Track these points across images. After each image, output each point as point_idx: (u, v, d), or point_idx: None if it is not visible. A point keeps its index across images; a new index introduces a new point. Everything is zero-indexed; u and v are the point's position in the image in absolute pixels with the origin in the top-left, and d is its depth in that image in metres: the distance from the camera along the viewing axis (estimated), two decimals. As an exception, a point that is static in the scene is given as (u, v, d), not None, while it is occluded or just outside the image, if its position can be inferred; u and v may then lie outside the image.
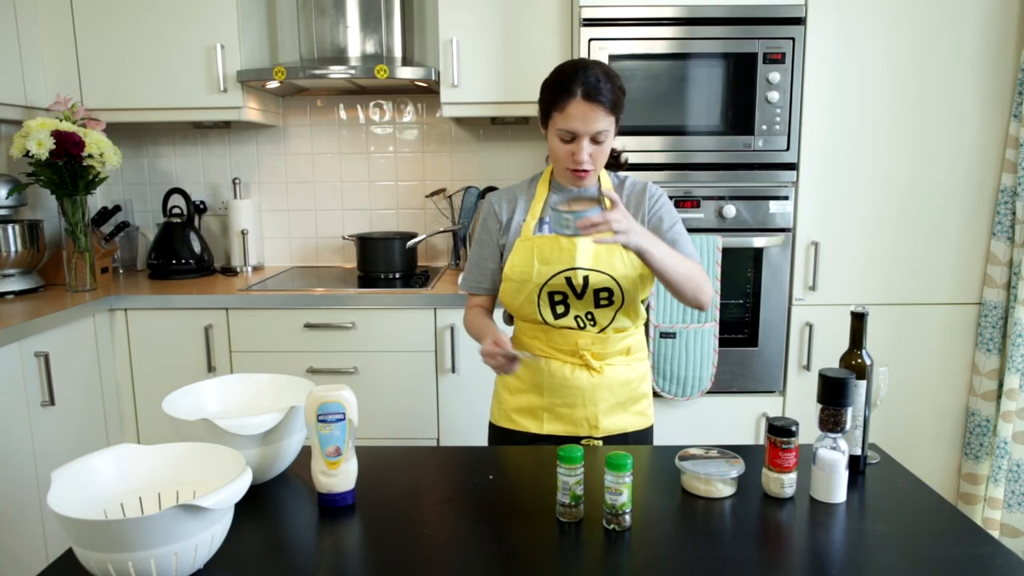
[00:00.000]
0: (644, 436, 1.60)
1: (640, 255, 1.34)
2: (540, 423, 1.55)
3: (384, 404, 2.34)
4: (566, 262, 1.46)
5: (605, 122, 1.39)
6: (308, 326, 2.30)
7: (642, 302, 1.55)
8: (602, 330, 1.50)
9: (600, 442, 1.53)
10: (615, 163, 1.63)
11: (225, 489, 0.89)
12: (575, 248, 1.46)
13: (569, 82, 1.39)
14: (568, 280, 1.46)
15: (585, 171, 1.45)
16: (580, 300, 1.48)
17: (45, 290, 2.44)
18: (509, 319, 1.67)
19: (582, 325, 1.50)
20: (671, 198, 2.20)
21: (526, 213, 1.54)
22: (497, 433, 1.63)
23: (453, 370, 2.31)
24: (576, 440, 1.54)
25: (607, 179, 1.58)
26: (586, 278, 1.46)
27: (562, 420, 1.54)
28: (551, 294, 1.48)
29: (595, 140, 1.41)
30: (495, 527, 1.07)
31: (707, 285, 1.46)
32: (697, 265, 1.46)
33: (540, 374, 1.53)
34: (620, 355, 1.54)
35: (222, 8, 2.42)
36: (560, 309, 1.49)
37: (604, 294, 1.47)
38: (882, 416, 2.32)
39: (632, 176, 1.59)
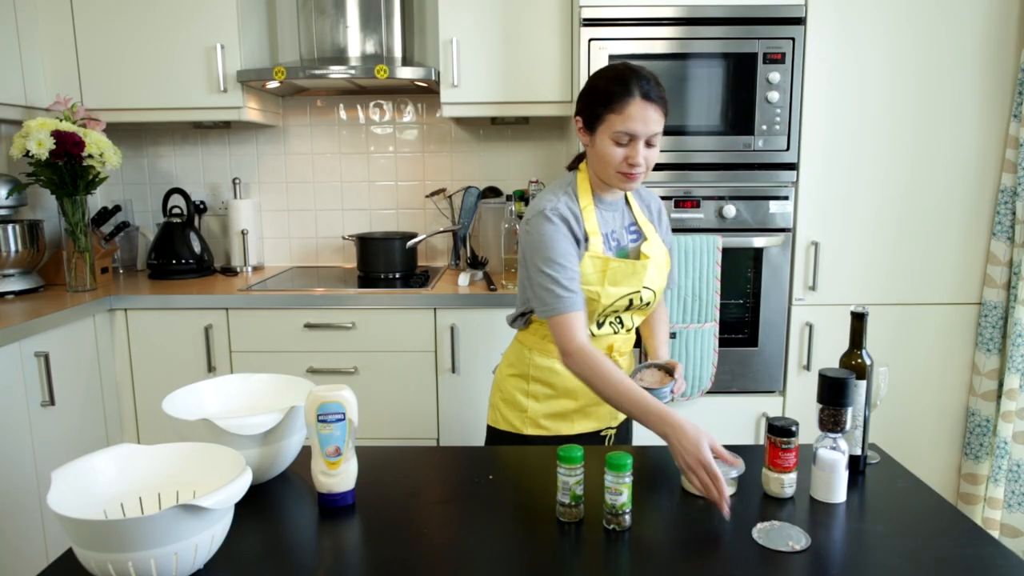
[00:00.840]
0: (631, 425, 1.71)
1: None
2: (571, 424, 1.57)
3: (384, 404, 2.34)
4: (635, 284, 1.47)
5: (660, 124, 1.39)
6: (308, 326, 2.30)
7: None
8: (628, 331, 1.57)
9: (614, 430, 1.62)
10: None
11: (225, 489, 0.89)
12: (645, 271, 1.47)
13: (627, 82, 1.37)
14: (631, 301, 1.49)
15: (637, 174, 1.41)
16: (626, 312, 1.53)
17: (45, 290, 2.44)
18: (514, 321, 1.62)
19: (616, 330, 1.54)
20: (671, 198, 2.23)
21: (591, 228, 1.47)
22: (515, 440, 1.58)
23: (453, 370, 2.31)
24: (596, 434, 1.60)
25: (629, 195, 1.61)
26: (647, 299, 1.52)
27: (590, 417, 1.58)
28: (614, 312, 1.51)
29: (648, 143, 1.39)
30: (495, 527, 1.08)
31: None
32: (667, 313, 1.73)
33: (572, 379, 1.49)
34: (628, 350, 1.63)
35: (222, 8, 2.42)
36: (601, 319, 1.52)
37: (648, 307, 1.54)
38: (882, 416, 2.32)
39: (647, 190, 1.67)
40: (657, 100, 1.37)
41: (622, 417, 1.61)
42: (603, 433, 1.61)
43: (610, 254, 1.48)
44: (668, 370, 1.49)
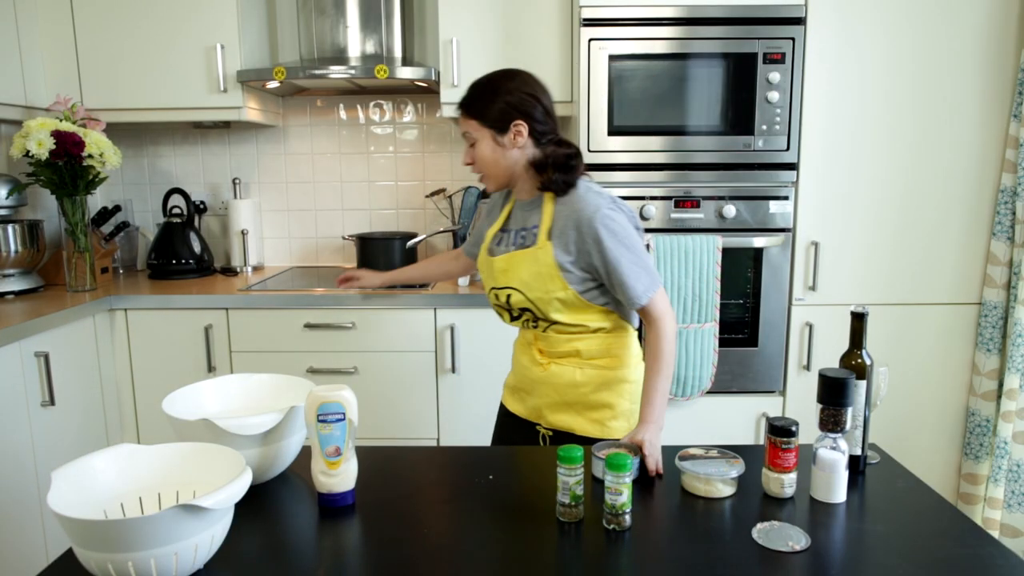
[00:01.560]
0: None
1: None
2: (512, 400, 1.67)
3: (384, 404, 2.34)
4: (490, 279, 1.57)
5: (467, 124, 1.51)
6: (308, 326, 2.30)
7: (624, 320, 1.55)
8: (544, 330, 1.55)
9: (550, 432, 1.58)
10: (552, 183, 1.49)
11: (225, 489, 0.89)
12: (491, 269, 1.55)
13: None
14: (496, 296, 1.56)
15: (475, 172, 1.55)
16: (511, 312, 1.57)
17: (45, 290, 2.44)
18: None
19: (527, 326, 1.59)
20: (670, 198, 2.22)
21: (495, 220, 1.64)
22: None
23: (453, 370, 2.31)
24: (532, 425, 1.62)
25: (549, 200, 1.49)
26: (509, 297, 1.53)
27: (523, 403, 1.64)
28: (500, 306, 1.58)
29: (471, 143, 1.52)
30: (495, 527, 1.08)
31: (671, 347, 1.46)
32: (663, 358, 1.44)
33: (515, 355, 1.66)
34: (571, 357, 1.53)
35: (222, 8, 2.42)
36: (515, 313, 1.57)
37: (528, 314, 1.53)
38: (882, 416, 2.32)
39: (589, 198, 1.45)
40: (462, 105, 1.52)
41: (549, 421, 1.56)
42: (538, 429, 1.60)
43: (501, 247, 1.58)
44: (634, 450, 1.34)
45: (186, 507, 0.86)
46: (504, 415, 1.69)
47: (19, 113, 2.36)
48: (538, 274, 1.47)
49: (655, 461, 1.26)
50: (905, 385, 2.33)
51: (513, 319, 1.58)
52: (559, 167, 1.47)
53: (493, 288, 1.56)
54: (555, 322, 1.51)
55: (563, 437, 1.55)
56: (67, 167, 2.28)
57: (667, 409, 2.31)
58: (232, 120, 2.56)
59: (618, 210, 1.47)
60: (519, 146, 1.48)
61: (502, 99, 1.47)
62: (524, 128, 1.47)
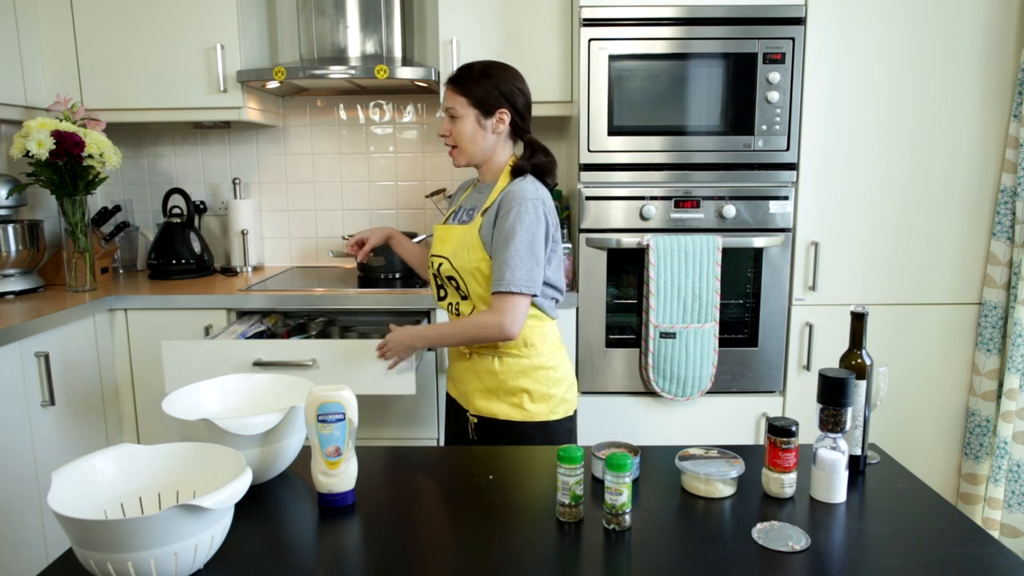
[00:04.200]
0: (524, 430, 1.63)
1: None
2: (451, 386, 1.77)
3: (384, 404, 2.34)
4: (435, 250, 1.68)
5: (454, 100, 1.61)
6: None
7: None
8: (464, 299, 1.65)
9: (475, 419, 1.66)
10: (521, 170, 1.64)
11: (225, 489, 0.89)
12: (435, 237, 1.69)
13: None
14: (431, 263, 1.67)
15: (450, 148, 1.65)
16: (442, 287, 1.67)
17: (45, 290, 2.44)
18: None
19: (454, 312, 1.68)
20: (670, 198, 2.22)
21: (456, 201, 1.77)
22: None
23: (453, 370, 2.31)
24: (464, 411, 1.70)
25: (500, 185, 1.63)
26: (440, 266, 1.64)
27: (456, 391, 1.73)
28: (434, 276, 1.68)
29: (452, 116, 1.62)
30: (495, 527, 1.08)
31: (484, 332, 1.55)
32: (470, 324, 1.57)
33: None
34: (489, 347, 1.63)
35: (222, 8, 2.42)
36: (442, 293, 1.69)
37: (452, 283, 1.63)
38: (882, 416, 2.32)
39: (529, 188, 1.58)
40: (452, 81, 1.62)
41: (476, 407, 1.65)
42: (467, 415, 1.68)
43: (449, 222, 1.71)
44: (632, 450, 1.32)
45: (186, 507, 0.86)
46: (448, 401, 1.80)
47: (19, 113, 2.36)
48: (464, 244, 1.59)
49: (385, 348, 1.66)
50: (905, 385, 2.33)
51: (440, 296, 1.69)
52: (541, 171, 1.63)
53: (431, 256, 1.69)
54: (476, 306, 1.61)
55: (488, 423, 1.64)
56: (67, 167, 2.28)
57: (667, 409, 2.32)
58: (232, 120, 2.56)
59: (543, 215, 1.56)
60: (498, 132, 1.62)
61: (495, 85, 1.59)
62: (507, 116, 1.61)
